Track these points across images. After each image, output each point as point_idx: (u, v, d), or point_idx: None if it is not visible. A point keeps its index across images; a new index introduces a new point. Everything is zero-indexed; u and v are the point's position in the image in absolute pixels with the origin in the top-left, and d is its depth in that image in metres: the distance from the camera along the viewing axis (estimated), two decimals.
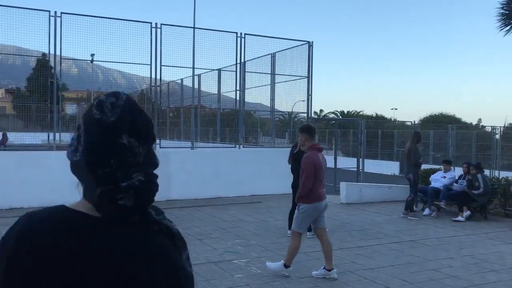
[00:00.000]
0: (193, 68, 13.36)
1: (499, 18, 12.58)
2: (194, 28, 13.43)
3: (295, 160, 8.31)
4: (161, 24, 12.36)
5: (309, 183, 5.70)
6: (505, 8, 12.39)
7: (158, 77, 12.58)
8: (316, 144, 6.00)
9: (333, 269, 5.91)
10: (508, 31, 12.58)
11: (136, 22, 12.34)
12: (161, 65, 12.32)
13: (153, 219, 1.03)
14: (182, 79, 18.23)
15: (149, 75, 12.54)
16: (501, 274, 6.29)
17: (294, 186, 8.39)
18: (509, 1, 12.20)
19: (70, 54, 12.42)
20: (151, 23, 12.29)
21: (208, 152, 13.44)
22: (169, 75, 13.53)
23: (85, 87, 19.80)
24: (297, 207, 5.91)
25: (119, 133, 1.01)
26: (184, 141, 17.90)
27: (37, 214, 1.02)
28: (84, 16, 11.70)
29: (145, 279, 0.95)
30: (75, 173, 1.03)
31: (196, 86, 15.98)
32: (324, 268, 5.94)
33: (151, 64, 12.26)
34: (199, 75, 16.13)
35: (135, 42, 12.29)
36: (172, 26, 12.68)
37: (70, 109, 22.38)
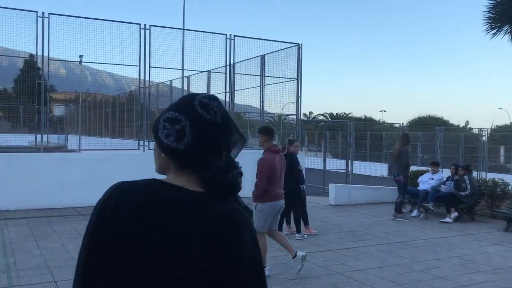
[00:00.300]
0: (182, 69, 13.34)
1: (486, 21, 12.72)
2: (183, 29, 13.43)
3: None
4: (150, 25, 12.32)
5: (262, 184, 5.89)
6: (491, 11, 12.54)
7: (147, 78, 12.53)
8: (273, 146, 6.12)
9: (296, 251, 6.09)
10: (494, 34, 12.72)
11: (125, 23, 12.29)
12: (149, 67, 12.29)
13: (240, 201, 1.30)
14: (171, 81, 18.16)
15: (137, 77, 12.49)
16: (488, 275, 6.35)
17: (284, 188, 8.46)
18: (495, 4, 12.36)
19: (58, 55, 12.32)
20: (139, 24, 12.25)
21: None
22: (158, 76, 13.48)
23: (73, 88, 19.66)
24: (254, 206, 5.98)
25: (230, 131, 1.27)
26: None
27: (128, 184, 1.22)
28: (72, 17, 11.61)
29: (236, 230, 1.17)
30: (172, 157, 1.22)
31: (185, 87, 15.94)
32: (294, 258, 6.05)
33: (139, 66, 12.22)
34: (188, 77, 16.09)
35: (124, 43, 12.23)
36: (161, 28, 12.64)
37: (58, 110, 22.17)
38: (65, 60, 13.40)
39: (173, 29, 13.09)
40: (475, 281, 6.05)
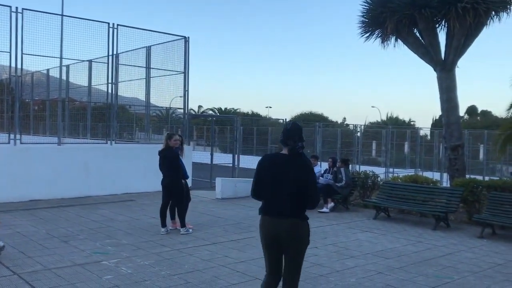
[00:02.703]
0: (61, 58, 12.44)
1: (360, 25, 13.73)
2: (62, 15, 12.50)
3: (165, 157, 8.23)
4: (23, 8, 11.32)
5: None
6: (365, 16, 13.55)
7: (19, 66, 11.50)
8: None
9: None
10: (367, 37, 13.78)
11: None
12: (22, 53, 11.29)
13: (306, 158, 4.11)
14: (48, 70, 16.91)
15: (8, 64, 11.40)
16: (359, 260, 6.88)
17: (164, 183, 8.30)
18: (368, 10, 13.37)
19: None
20: (10, 7, 11.18)
21: (76, 149, 12.63)
22: (33, 64, 12.41)
23: None
24: None
25: (295, 133, 3.99)
26: (51, 137, 16.63)
27: (270, 154, 4.27)
28: None
29: (306, 173, 3.94)
30: (281, 143, 4.04)
31: (64, 77, 14.92)
32: None
33: (10, 52, 11.17)
34: (67, 66, 15.10)
35: None
36: (36, 12, 11.66)
37: None
38: None
39: (50, 14, 12.12)
40: (347, 266, 6.51)
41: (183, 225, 8.26)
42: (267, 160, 4.09)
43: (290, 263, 3.97)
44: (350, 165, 17.35)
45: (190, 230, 8.32)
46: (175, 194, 8.25)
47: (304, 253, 4.04)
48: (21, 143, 11.48)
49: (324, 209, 10.95)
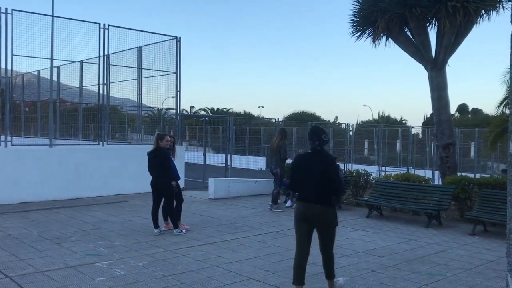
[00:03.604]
0: (52, 59, 12.36)
1: (351, 24, 13.77)
2: (52, 16, 12.42)
3: (155, 157, 8.16)
4: (12, 9, 11.24)
5: None
6: (356, 15, 13.60)
7: (9, 67, 11.42)
8: None
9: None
10: (359, 36, 13.83)
11: None
12: (12, 55, 11.21)
13: (326, 153, 5.17)
14: (39, 71, 16.78)
15: None
16: (352, 258, 6.91)
17: (154, 183, 8.26)
18: (359, 9, 13.42)
19: None
20: (0, 8, 11.11)
21: (68, 150, 12.56)
22: (24, 66, 12.35)
23: None
24: None
25: (316, 134, 5.07)
26: (42, 138, 16.52)
27: (301, 153, 5.45)
28: None
29: (326, 165, 4.98)
30: (309, 140, 5.11)
31: (55, 78, 14.83)
32: None
33: (0, 53, 11.09)
34: (58, 67, 15.03)
35: None
36: (26, 13, 11.58)
37: None
38: None
39: (40, 15, 12.04)
40: (341, 265, 6.53)
41: (175, 226, 8.24)
42: (298, 158, 5.28)
43: (323, 241, 5.17)
44: (343, 164, 17.39)
45: (184, 230, 8.31)
46: (165, 195, 8.21)
47: (334, 232, 5.20)
48: (12, 144, 11.40)
49: None
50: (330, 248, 5.22)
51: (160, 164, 8.11)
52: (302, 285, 5.16)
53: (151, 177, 8.31)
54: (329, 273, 5.31)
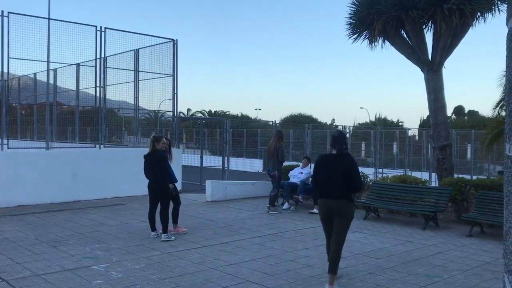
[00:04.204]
0: (48, 62, 12.34)
1: (348, 26, 13.79)
2: (48, 19, 12.40)
3: (151, 160, 8.11)
4: (9, 12, 11.21)
5: None
6: (352, 18, 13.62)
7: (5, 70, 11.40)
8: None
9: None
10: (355, 39, 13.85)
11: None
12: (8, 57, 11.19)
13: (348, 154, 5.78)
14: (35, 74, 16.76)
15: None
16: (349, 260, 6.91)
17: (151, 186, 8.20)
18: (356, 11, 13.45)
19: None
20: None
21: (64, 153, 12.53)
22: (20, 68, 12.32)
23: None
24: None
25: (341, 139, 5.75)
26: (38, 141, 16.48)
27: (324, 154, 6.13)
28: None
29: (350, 166, 5.61)
30: (333, 145, 5.72)
31: (51, 81, 14.80)
32: None
33: None
34: (55, 70, 14.97)
35: None
36: (22, 16, 11.56)
37: None
38: None
39: (37, 18, 12.03)
40: (339, 267, 6.51)
41: (165, 230, 7.99)
42: (322, 159, 5.92)
43: (337, 232, 5.67)
44: None
45: (173, 237, 8.05)
46: (161, 199, 8.11)
47: (349, 225, 5.79)
48: (8, 148, 11.36)
49: (315, 210, 10.96)
50: (341, 243, 5.69)
51: (157, 167, 8.06)
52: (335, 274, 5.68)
53: (147, 180, 8.28)
54: (333, 266, 5.62)
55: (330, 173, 5.63)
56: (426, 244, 8.09)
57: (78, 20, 16.35)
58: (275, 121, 19.03)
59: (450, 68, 63.74)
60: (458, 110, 55.29)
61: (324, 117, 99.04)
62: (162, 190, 8.08)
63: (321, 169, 5.76)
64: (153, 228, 8.19)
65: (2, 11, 11.13)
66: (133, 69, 14.44)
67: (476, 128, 28.40)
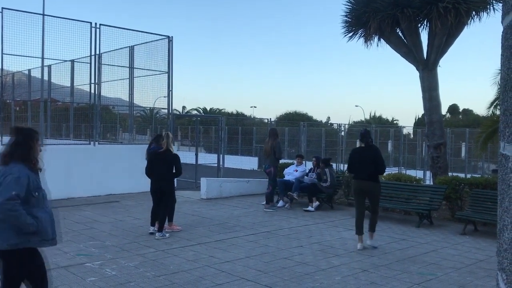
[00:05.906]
0: (42, 58, 12.28)
1: (344, 25, 13.79)
2: (43, 14, 12.33)
3: (163, 159, 8.02)
4: (3, 8, 11.15)
5: None
6: (348, 16, 13.62)
7: (0, 66, 11.33)
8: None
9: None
10: (351, 37, 13.85)
11: None
12: (2, 53, 11.13)
13: (375, 146, 8.09)
14: (29, 70, 16.67)
15: None
16: (344, 258, 6.93)
17: (158, 187, 8.15)
18: (351, 10, 13.45)
19: None
20: None
21: (58, 149, 12.46)
22: (14, 65, 12.25)
23: None
24: None
25: (370, 134, 7.97)
26: None
27: (356, 147, 7.92)
28: None
29: (376, 154, 7.60)
30: (361, 140, 7.65)
31: (46, 77, 14.74)
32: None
33: None
34: (49, 66, 14.92)
35: None
36: (16, 11, 11.49)
37: None
38: None
39: (31, 14, 11.96)
40: (333, 265, 6.55)
41: (160, 230, 7.95)
42: (356, 150, 7.80)
43: (373, 205, 7.72)
44: (335, 164, 17.41)
45: (167, 235, 8.03)
46: (167, 199, 8.12)
47: (379, 198, 7.86)
48: (2, 144, 11.28)
49: (309, 208, 10.99)
50: (376, 211, 7.71)
51: (169, 167, 8.01)
52: (362, 234, 7.51)
53: (144, 178, 8.21)
54: (372, 226, 7.62)
55: (361, 160, 7.46)
56: (420, 242, 8.12)
57: (73, 17, 16.23)
58: (270, 119, 19.04)
59: (445, 67, 63.98)
60: (453, 108, 55.51)
61: (319, 115, 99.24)
62: (170, 192, 8.13)
63: (355, 158, 7.63)
64: (153, 223, 8.15)
65: None
66: (128, 66, 14.38)
67: (471, 126, 28.51)
